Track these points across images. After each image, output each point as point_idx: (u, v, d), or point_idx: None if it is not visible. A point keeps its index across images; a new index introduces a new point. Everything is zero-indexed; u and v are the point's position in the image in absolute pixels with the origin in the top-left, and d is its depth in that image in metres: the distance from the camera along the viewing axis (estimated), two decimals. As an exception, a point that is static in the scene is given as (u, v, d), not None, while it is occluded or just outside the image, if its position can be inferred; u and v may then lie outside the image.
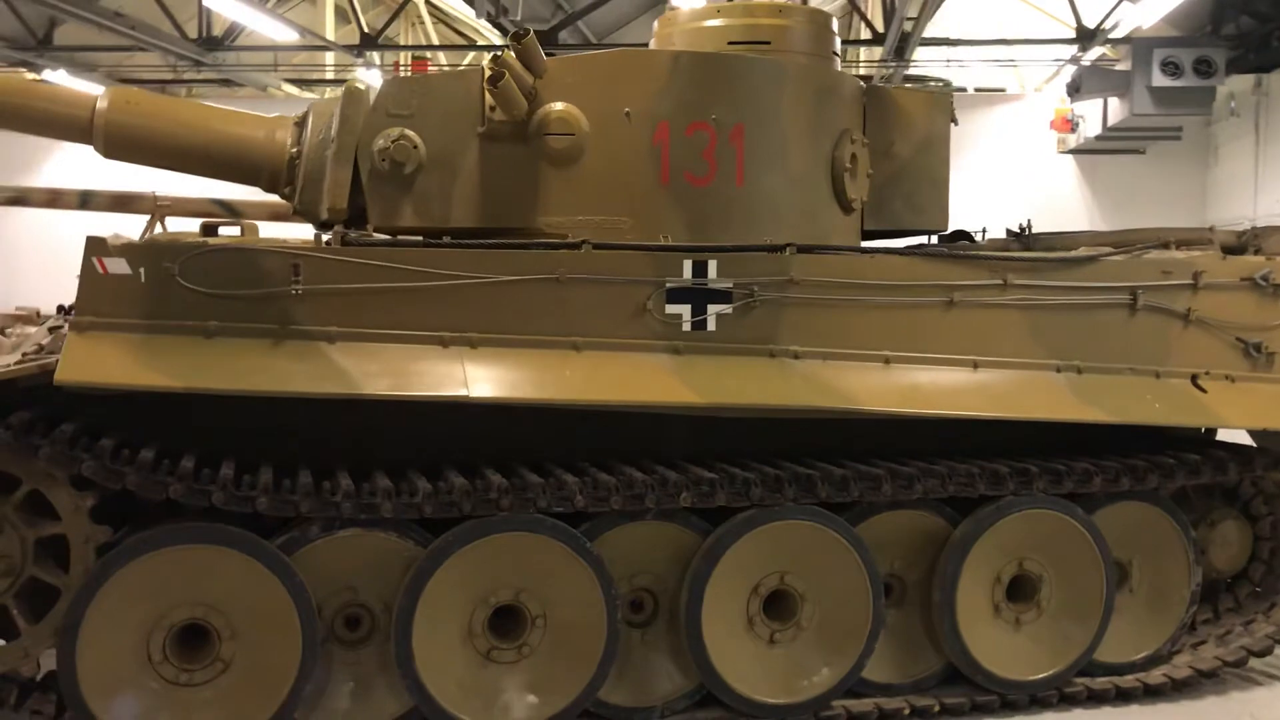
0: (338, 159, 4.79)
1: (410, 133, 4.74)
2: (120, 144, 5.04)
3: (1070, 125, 18.94)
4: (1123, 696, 5.00)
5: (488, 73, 4.63)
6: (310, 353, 4.13)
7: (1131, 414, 4.96)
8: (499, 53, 4.73)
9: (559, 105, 4.80)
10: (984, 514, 4.81)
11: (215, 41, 16.48)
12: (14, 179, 11.25)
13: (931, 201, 5.79)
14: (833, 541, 4.63)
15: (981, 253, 5.10)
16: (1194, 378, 5.14)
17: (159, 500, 4.04)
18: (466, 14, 18.33)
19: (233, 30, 16.73)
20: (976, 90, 22.54)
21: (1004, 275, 4.90)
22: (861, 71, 18.67)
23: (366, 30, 17.05)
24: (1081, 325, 4.99)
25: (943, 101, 5.83)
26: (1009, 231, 6.23)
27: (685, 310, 4.54)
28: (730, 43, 5.31)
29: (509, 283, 4.34)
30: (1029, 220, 6.15)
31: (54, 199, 10.38)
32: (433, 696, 4.22)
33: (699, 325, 4.55)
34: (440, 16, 20.51)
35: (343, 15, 18.27)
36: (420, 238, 4.69)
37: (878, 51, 16.73)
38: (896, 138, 5.64)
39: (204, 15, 16.22)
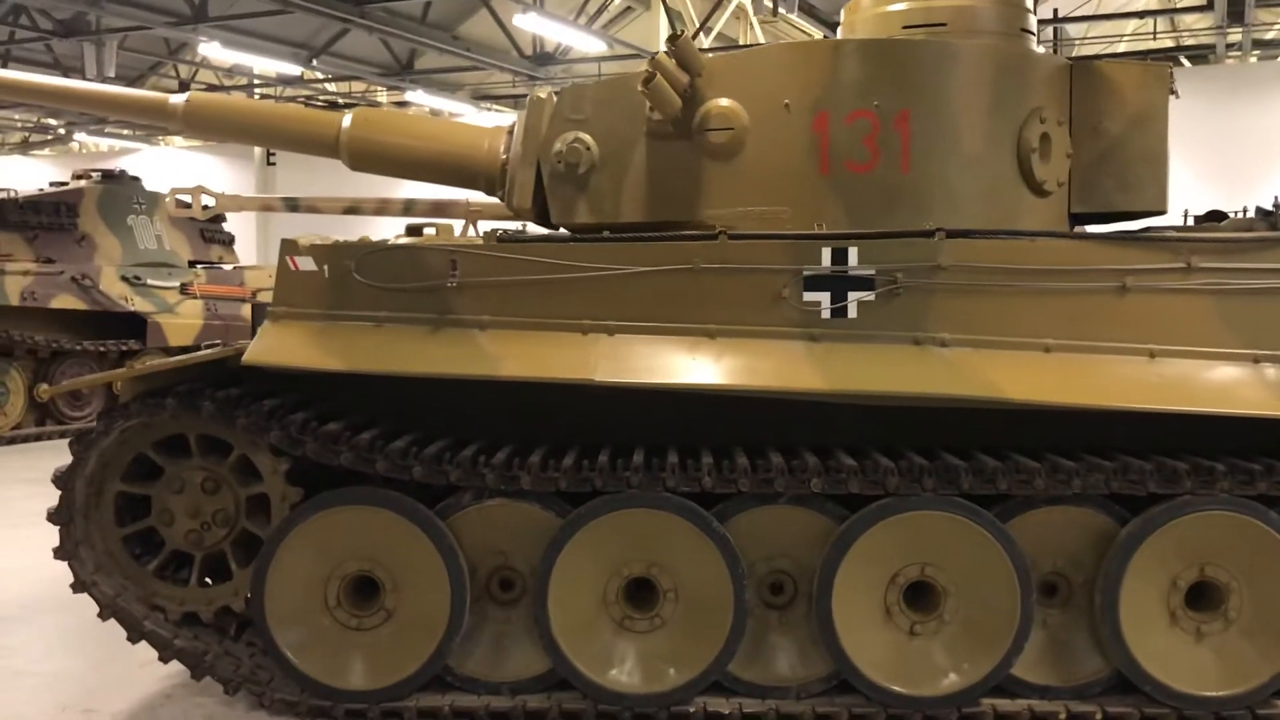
0: (522, 162, 5.25)
1: (584, 135, 5.09)
2: (362, 157, 5.77)
3: None
4: (1335, 725, 4.47)
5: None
6: (462, 339, 4.57)
7: (1342, 411, 4.42)
8: (655, 54, 4.99)
9: (722, 101, 4.97)
10: (1154, 514, 4.48)
11: (547, 57, 17.77)
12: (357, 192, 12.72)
13: (1147, 180, 5.38)
14: (977, 535, 4.49)
15: (1160, 234, 4.73)
16: None
17: (347, 469, 4.64)
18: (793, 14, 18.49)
19: (561, 46, 17.93)
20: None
21: (1188, 258, 4.54)
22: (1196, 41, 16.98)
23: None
24: None
25: (1158, 73, 5.41)
26: (1258, 210, 5.67)
27: (824, 298, 4.57)
28: (906, 26, 5.25)
29: (647, 273, 4.58)
30: (1277, 197, 5.58)
31: (382, 207, 11.74)
32: (568, 657, 4.54)
33: (839, 313, 4.56)
34: (766, 18, 20.79)
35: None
36: (566, 233, 5.02)
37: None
38: (1105, 114, 5.32)
39: (537, 35, 17.52)
